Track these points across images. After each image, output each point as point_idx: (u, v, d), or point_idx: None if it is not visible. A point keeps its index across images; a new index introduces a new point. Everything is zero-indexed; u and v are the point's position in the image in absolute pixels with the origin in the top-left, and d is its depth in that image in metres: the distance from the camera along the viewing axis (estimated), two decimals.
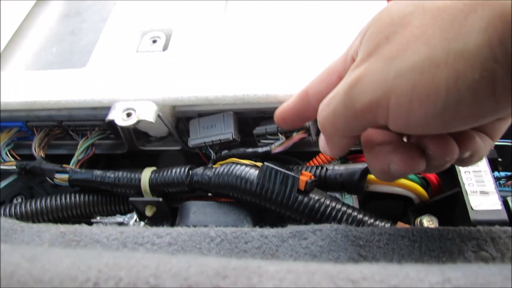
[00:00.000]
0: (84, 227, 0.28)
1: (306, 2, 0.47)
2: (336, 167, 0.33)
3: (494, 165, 0.44)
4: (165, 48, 0.42)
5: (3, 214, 0.37)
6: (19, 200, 0.44)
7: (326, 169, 0.33)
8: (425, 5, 0.19)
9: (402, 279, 0.13)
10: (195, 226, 0.29)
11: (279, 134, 0.35)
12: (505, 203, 0.31)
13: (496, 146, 0.45)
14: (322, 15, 0.45)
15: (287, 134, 0.34)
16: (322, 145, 0.27)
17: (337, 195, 0.37)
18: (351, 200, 0.38)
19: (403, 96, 0.18)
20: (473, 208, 0.29)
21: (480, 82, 0.16)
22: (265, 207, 0.31)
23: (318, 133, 0.36)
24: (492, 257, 0.23)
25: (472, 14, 0.17)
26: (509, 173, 0.36)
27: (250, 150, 0.35)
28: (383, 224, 0.29)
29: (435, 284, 0.12)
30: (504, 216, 0.29)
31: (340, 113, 0.22)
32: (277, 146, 0.33)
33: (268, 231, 0.26)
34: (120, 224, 0.39)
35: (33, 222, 0.35)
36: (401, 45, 0.19)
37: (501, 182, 0.36)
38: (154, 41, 0.43)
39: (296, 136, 0.34)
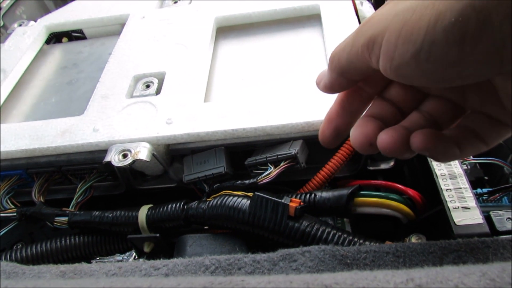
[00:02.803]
0: (83, 265, 0.29)
1: (287, 44, 0.51)
2: (324, 193, 0.35)
3: (481, 184, 0.45)
4: (158, 92, 0.45)
5: (4, 259, 0.38)
6: (19, 246, 0.45)
7: (315, 194, 0.35)
8: None
9: (371, 281, 0.14)
10: None
11: (268, 164, 0.36)
12: (487, 217, 0.33)
13: (484, 165, 0.47)
14: (304, 54, 0.49)
15: (276, 164, 0.36)
16: (320, 76, 0.28)
17: (329, 220, 0.38)
18: (344, 225, 0.40)
19: (393, 33, 0.20)
20: (456, 223, 0.31)
21: (454, 26, 0.18)
22: (258, 235, 0.32)
23: (306, 161, 0.38)
24: None
25: None
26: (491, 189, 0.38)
27: (238, 182, 0.36)
28: (371, 243, 0.30)
29: (399, 284, 0.13)
30: (486, 229, 0.30)
31: (347, 48, 0.24)
32: (263, 177, 0.35)
33: (260, 256, 0.27)
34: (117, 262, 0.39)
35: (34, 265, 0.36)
36: None
37: (484, 198, 0.37)
38: (148, 86, 0.46)
39: (283, 165, 0.35)
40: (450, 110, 0.26)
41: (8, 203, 0.43)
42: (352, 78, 0.26)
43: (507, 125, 0.24)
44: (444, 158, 0.25)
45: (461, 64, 0.19)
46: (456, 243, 0.25)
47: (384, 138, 0.24)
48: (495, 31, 0.17)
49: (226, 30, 0.55)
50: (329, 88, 0.27)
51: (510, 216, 0.33)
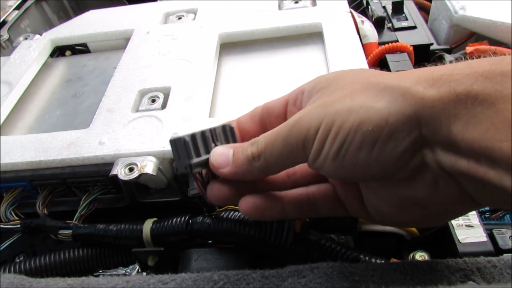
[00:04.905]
0: (91, 279, 0.29)
1: (289, 61, 0.52)
2: None
3: None
4: (163, 106, 0.46)
5: (8, 272, 0.37)
6: (21, 258, 0.45)
7: None
8: (357, 78, 0.25)
9: None
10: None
11: None
12: (490, 235, 0.33)
13: None
14: (306, 71, 0.49)
15: None
16: (222, 160, 0.28)
17: (333, 236, 0.38)
18: (348, 241, 0.40)
19: (324, 132, 0.23)
20: (460, 241, 0.31)
21: (370, 133, 0.22)
22: (263, 251, 0.33)
23: None
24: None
25: (387, 90, 0.23)
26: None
27: None
28: (377, 261, 0.30)
29: None
30: (490, 247, 0.31)
31: (277, 149, 0.25)
32: None
33: (268, 272, 0.27)
34: (123, 275, 0.39)
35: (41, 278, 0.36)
36: (335, 99, 0.24)
37: (486, 215, 0.37)
38: (153, 101, 0.46)
39: None
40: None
41: (12, 215, 0.43)
42: (273, 172, 0.28)
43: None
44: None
45: (366, 166, 0.23)
46: (463, 262, 0.25)
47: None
48: (398, 145, 0.22)
49: (229, 46, 0.56)
50: (239, 177, 0.28)
51: None
